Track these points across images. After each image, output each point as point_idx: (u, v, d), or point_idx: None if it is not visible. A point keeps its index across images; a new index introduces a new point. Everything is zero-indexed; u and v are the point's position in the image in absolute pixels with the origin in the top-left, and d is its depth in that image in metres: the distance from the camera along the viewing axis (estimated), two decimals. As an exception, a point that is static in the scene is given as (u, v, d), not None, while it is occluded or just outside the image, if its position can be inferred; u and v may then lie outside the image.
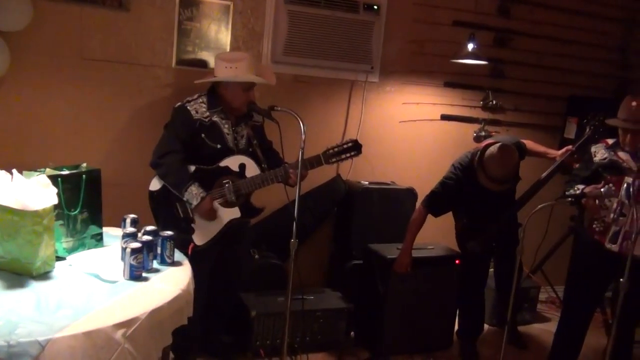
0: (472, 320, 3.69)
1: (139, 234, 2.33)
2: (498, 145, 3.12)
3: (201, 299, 2.86)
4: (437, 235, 4.03)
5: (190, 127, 2.78)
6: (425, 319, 3.53)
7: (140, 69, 3.36)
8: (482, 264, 3.60)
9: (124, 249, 2.14)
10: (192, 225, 2.81)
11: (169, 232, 2.36)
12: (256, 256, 3.53)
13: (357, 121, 3.91)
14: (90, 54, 3.24)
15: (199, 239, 2.83)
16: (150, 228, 2.38)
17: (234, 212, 2.87)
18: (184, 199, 2.73)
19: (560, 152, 3.38)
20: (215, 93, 2.87)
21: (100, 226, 2.45)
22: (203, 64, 3.45)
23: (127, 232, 2.31)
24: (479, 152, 3.19)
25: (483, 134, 4.05)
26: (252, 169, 2.86)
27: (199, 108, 2.81)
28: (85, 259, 2.26)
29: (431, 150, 4.19)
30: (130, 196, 3.23)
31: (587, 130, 3.18)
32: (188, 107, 2.80)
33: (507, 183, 3.16)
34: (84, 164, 2.45)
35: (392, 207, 3.79)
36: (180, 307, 2.02)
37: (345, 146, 2.81)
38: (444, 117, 4.18)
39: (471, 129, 4.14)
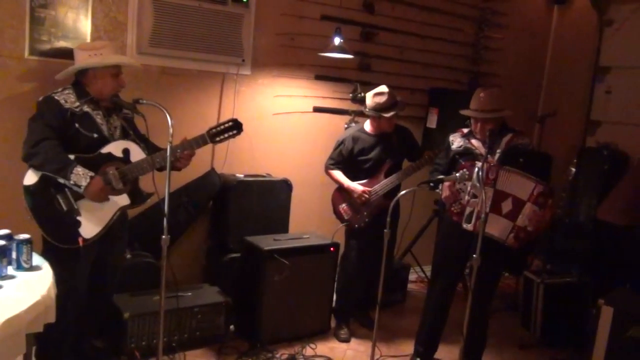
0: (345, 301, 3.87)
1: (-10, 239, 2.15)
2: None
3: (80, 300, 2.76)
4: (313, 224, 4.15)
5: (61, 116, 2.61)
6: (302, 307, 3.63)
7: (-15, 59, 3.07)
8: (358, 243, 3.77)
9: (-29, 256, 1.97)
10: (78, 218, 2.64)
11: (26, 236, 2.21)
12: (128, 255, 3.40)
13: (230, 114, 3.88)
14: None
15: (86, 231, 2.66)
16: (3, 232, 2.21)
17: (123, 200, 2.74)
18: (71, 182, 2.53)
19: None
20: (80, 86, 2.72)
21: (-57, 233, 2.22)
22: (61, 54, 3.21)
23: (-24, 237, 2.13)
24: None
25: (353, 125, 4.22)
26: (138, 153, 2.75)
27: (67, 98, 2.66)
28: None
29: (304, 141, 4.29)
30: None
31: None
32: (56, 97, 2.63)
33: (393, 107, 3.59)
34: None
35: (267, 198, 3.83)
36: (39, 314, 1.90)
37: (226, 125, 2.80)
38: (316, 109, 4.29)
39: (342, 121, 4.29)
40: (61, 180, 2.56)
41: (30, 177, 2.62)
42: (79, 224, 2.64)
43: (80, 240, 2.62)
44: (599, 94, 5.19)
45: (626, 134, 4.80)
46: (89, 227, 2.67)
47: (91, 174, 2.58)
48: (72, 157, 2.61)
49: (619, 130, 4.96)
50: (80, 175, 2.54)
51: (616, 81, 5.07)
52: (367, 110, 3.67)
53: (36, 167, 2.59)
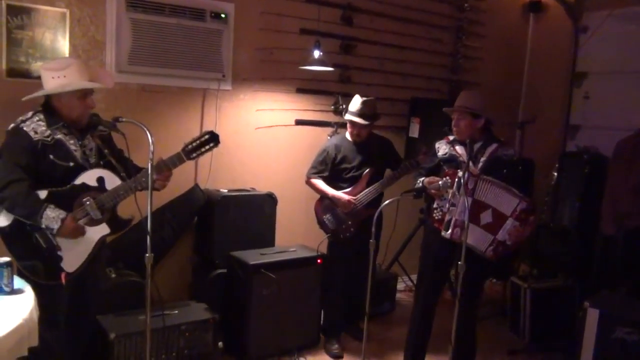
0: (333, 315, 3.85)
1: (-30, 264, 2.12)
2: None
3: (59, 326, 2.67)
4: (299, 237, 4.14)
5: (31, 150, 2.50)
6: (291, 320, 3.61)
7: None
8: (343, 254, 3.77)
9: (-49, 282, 1.94)
10: (59, 253, 2.56)
11: (5, 259, 2.18)
12: (113, 275, 3.37)
13: (212, 129, 3.87)
14: None
15: (69, 265, 2.59)
16: (-18, 256, 2.17)
17: (103, 229, 2.67)
18: (43, 226, 2.47)
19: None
20: (51, 107, 2.61)
21: None
22: (39, 75, 3.20)
23: (-45, 262, 2.09)
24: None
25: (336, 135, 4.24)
26: (112, 181, 2.67)
27: (37, 127, 2.53)
28: None
29: (288, 154, 4.29)
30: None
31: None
32: (25, 129, 2.51)
33: (369, 117, 3.68)
34: None
35: (252, 213, 3.82)
36: (21, 337, 1.88)
37: (202, 139, 2.69)
38: (299, 122, 4.31)
39: (324, 133, 4.31)
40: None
41: (3, 219, 2.53)
42: (60, 259, 2.57)
43: (63, 275, 2.55)
44: (577, 99, 5.27)
45: (605, 137, 4.85)
46: (72, 261, 2.60)
47: (62, 215, 2.50)
48: (45, 193, 2.53)
49: (598, 134, 5.02)
50: (51, 219, 2.47)
51: (593, 86, 5.15)
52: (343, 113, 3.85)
53: (7, 210, 2.50)
